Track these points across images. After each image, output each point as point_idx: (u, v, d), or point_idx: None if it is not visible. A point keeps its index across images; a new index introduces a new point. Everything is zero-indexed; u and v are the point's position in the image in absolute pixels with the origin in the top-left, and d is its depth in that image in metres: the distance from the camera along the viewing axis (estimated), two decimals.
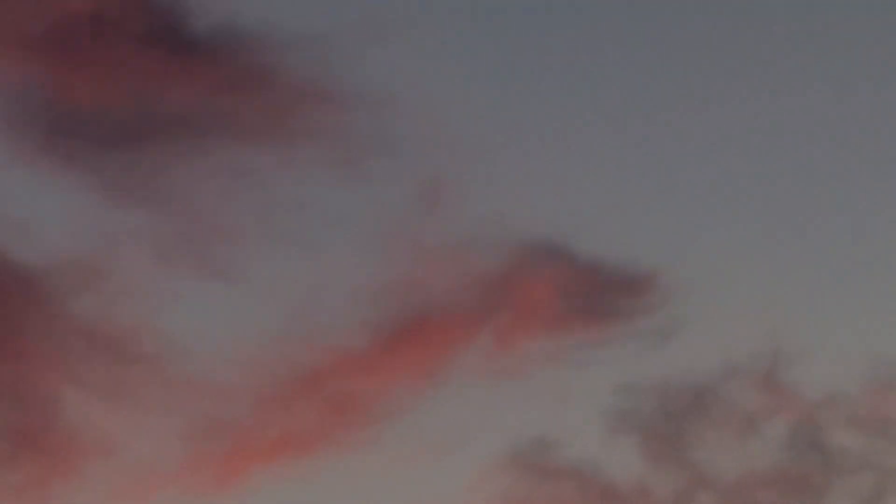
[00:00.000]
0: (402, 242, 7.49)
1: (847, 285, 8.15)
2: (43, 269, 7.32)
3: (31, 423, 7.00)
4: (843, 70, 8.61)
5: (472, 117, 7.70)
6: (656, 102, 8.46)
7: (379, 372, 7.47)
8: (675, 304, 7.78)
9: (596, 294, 7.67)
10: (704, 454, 7.52)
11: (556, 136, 8.16)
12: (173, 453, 7.20)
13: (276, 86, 7.35)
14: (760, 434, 7.58)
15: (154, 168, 7.31)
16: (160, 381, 7.29)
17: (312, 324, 7.46)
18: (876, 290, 8.19)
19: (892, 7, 8.97)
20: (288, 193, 7.42)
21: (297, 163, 7.36)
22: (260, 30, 7.42)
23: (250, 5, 7.41)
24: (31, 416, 7.02)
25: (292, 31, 7.47)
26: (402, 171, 7.42)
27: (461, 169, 7.39)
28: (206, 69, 7.33)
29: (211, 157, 7.33)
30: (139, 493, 7.13)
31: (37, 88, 7.32)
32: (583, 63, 8.45)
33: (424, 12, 8.06)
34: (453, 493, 7.27)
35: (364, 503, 7.33)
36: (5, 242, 7.33)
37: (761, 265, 8.11)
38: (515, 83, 8.20)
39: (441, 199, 7.52)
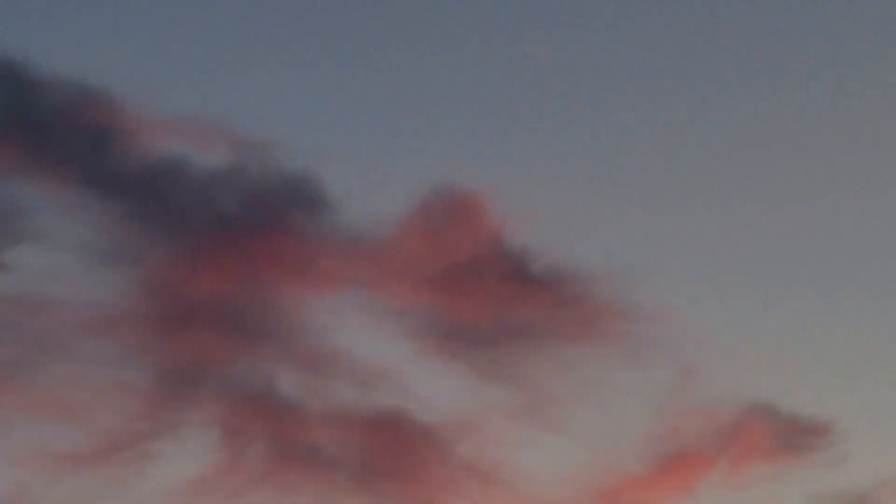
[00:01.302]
0: (667, 404, 11.67)
1: None
2: (436, 425, 11.57)
3: None
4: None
5: (715, 324, 11.90)
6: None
7: (653, 489, 11.65)
8: (843, 440, 11.95)
9: (793, 435, 11.81)
10: None
11: (777, 322, 12.42)
12: None
13: (587, 304, 11.57)
14: None
15: (509, 359, 11.59)
16: (514, 499, 11.55)
17: (609, 457, 11.66)
18: None
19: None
20: (594, 374, 11.64)
21: (598, 354, 11.60)
22: (577, 267, 11.64)
23: (570, 254, 11.66)
24: None
25: (596, 265, 11.72)
26: (667, 357, 11.61)
27: (707, 355, 11.58)
28: (543, 294, 11.55)
29: (546, 351, 11.58)
30: None
31: (433, 309, 11.58)
32: None
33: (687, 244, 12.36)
34: None
35: None
36: (413, 407, 11.60)
37: None
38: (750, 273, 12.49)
39: (691, 375, 11.71)
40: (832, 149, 13.65)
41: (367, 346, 11.88)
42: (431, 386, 11.67)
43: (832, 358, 12.46)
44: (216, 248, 11.67)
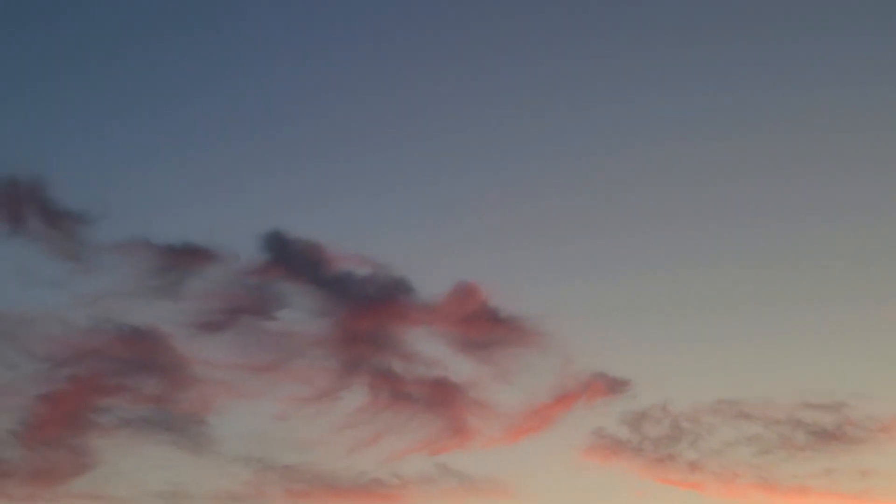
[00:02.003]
0: (552, 375, 27.35)
1: None
2: (461, 383, 27.45)
3: None
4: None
5: (575, 328, 27.51)
6: None
7: (546, 412, 27.34)
8: (638, 388, 27.40)
9: (613, 386, 27.35)
10: None
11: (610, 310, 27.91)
12: None
13: (521, 330, 27.32)
14: None
15: (495, 354, 27.41)
16: (486, 411, 27.36)
17: (526, 399, 27.38)
18: None
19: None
20: (516, 361, 27.38)
21: (525, 354, 27.32)
22: (515, 313, 27.47)
23: (511, 308, 27.43)
24: None
25: (525, 313, 27.48)
26: (551, 351, 27.27)
27: (571, 347, 27.19)
28: (502, 326, 27.35)
29: (502, 352, 27.40)
30: None
31: (459, 333, 27.49)
32: None
33: None
34: None
35: None
36: (451, 376, 27.44)
37: None
38: None
39: (565, 360, 27.38)
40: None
41: (432, 349, 27.84)
42: (460, 366, 27.63)
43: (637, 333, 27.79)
44: (368, 309, 27.79)
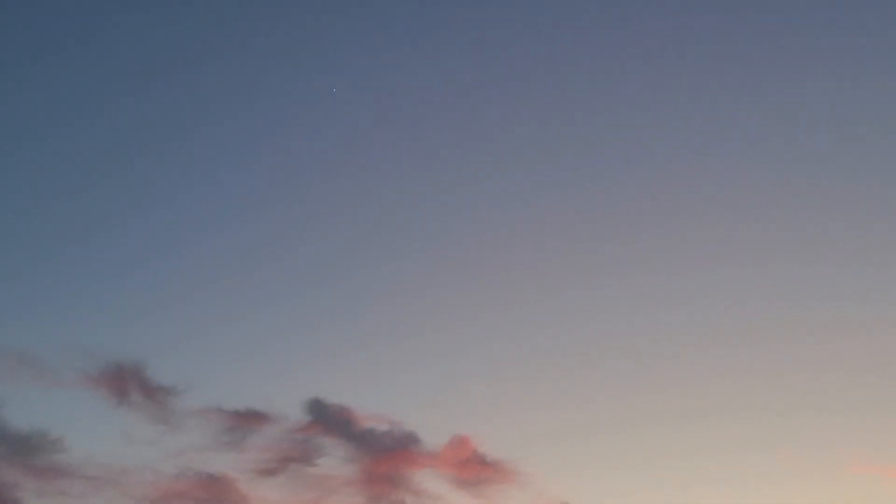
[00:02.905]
0: None
1: None
2: None
3: None
4: None
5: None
6: None
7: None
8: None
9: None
10: None
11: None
12: None
13: (487, 465, 35.87)
14: None
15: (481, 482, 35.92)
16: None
17: None
18: None
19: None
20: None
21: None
22: (490, 458, 36.16)
23: (490, 454, 36.11)
24: None
25: (500, 456, 36.20)
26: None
27: None
28: (486, 466, 35.95)
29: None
30: None
31: (455, 474, 36.10)
32: None
33: None
34: None
35: None
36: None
37: None
38: None
39: None
40: None
41: (436, 487, 36.44)
42: (457, 499, 36.10)
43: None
44: (386, 456, 36.60)
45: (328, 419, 36.93)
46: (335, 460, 36.72)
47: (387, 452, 36.77)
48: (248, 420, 36.60)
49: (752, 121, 40.85)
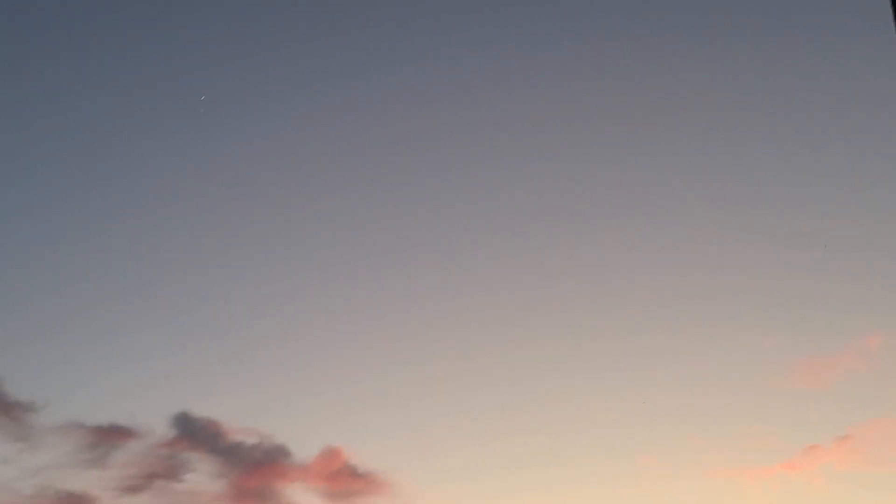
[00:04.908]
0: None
1: None
2: None
3: None
4: None
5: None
6: None
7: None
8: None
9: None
10: None
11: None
12: None
13: (368, 481, 35.78)
14: None
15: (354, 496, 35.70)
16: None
17: None
18: None
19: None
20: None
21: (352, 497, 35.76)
22: (363, 468, 35.99)
23: (365, 464, 35.96)
24: None
25: (371, 467, 36.02)
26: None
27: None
28: (358, 479, 35.78)
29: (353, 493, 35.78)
30: None
31: (325, 487, 35.79)
32: None
33: None
34: None
35: None
36: None
37: None
38: None
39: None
40: None
41: (306, 501, 35.99)
42: None
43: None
44: (255, 470, 35.97)
45: (195, 433, 36.11)
46: (203, 475, 35.90)
47: (256, 466, 36.21)
48: (111, 435, 35.45)
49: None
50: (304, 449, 36.26)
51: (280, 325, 39.84)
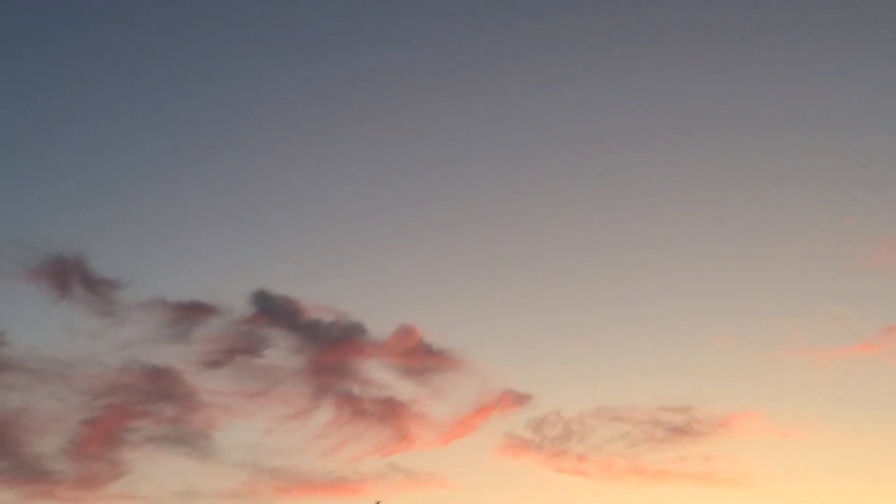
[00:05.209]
0: (474, 391, 36.38)
1: None
2: (392, 398, 36.43)
3: None
4: None
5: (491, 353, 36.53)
6: None
7: (465, 424, 36.36)
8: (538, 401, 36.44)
9: (517, 399, 36.43)
10: None
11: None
12: None
13: (446, 358, 36.39)
14: None
15: (432, 375, 36.43)
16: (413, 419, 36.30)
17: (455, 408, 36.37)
18: None
19: None
20: (443, 381, 36.40)
21: (448, 377, 36.38)
22: (441, 346, 36.55)
23: (440, 342, 36.50)
24: None
25: (449, 345, 36.57)
26: (471, 374, 36.34)
27: (487, 369, 36.29)
28: (434, 355, 36.44)
29: (431, 375, 36.46)
30: None
31: (400, 362, 36.53)
32: None
33: None
34: None
35: None
36: (394, 393, 36.38)
37: None
38: None
39: (483, 382, 36.46)
40: None
41: (382, 376, 36.87)
42: (403, 388, 36.64)
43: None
44: (332, 347, 36.86)
45: (274, 310, 36.97)
46: (281, 351, 36.89)
47: (333, 343, 37.03)
48: (192, 312, 36.50)
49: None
50: (380, 326, 36.97)
51: (357, 203, 40.37)
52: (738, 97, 39.62)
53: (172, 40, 41.37)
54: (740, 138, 39.64)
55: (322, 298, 37.48)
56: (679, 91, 40.09)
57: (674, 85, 40.09)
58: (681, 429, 36.14)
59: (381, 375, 37.00)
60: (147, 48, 41.16)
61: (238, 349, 36.52)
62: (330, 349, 36.98)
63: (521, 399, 36.58)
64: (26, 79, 40.43)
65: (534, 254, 39.18)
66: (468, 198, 40.18)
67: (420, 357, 36.92)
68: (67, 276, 36.02)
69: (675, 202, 39.50)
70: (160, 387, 36.09)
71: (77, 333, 35.62)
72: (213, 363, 36.29)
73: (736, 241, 39.34)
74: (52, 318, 35.91)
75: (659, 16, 40.23)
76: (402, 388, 36.92)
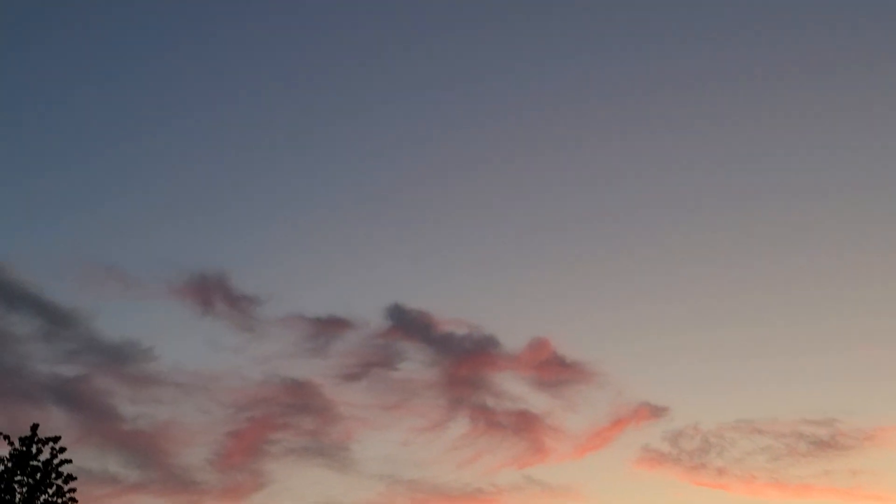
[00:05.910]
0: (605, 405, 36.05)
1: None
2: (535, 412, 36.37)
3: None
4: None
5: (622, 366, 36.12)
6: None
7: (604, 435, 36.03)
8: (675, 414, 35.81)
9: (654, 412, 35.92)
10: None
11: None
12: None
13: (578, 370, 36.13)
14: None
15: (565, 388, 36.28)
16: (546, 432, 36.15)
17: (590, 421, 36.09)
18: None
19: None
20: (576, 393, 36.16)
21: (578, 388, 36.14)
22: (573, 358, 36.35)
23: (573, 355, 36.29)
24: None
25: (581, 359, 36.36)
26: (604, 386, 36.01)
27: (621, 383, 35.89)
28: (567, 367, 36.24)
29: (562, 387, 36.24)
30: None
31: (534, 376, 36.49)
32: None
33: None
34: None
35: None
36: (529, 407, 36.35)
37: None
38: None
39: (618, 393, 36.09)
40: None
41: (516, 388, 36.90)
42: (537, 400, 36.57)
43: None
44: (466, 359, 37.10)
45: (408, 324, 37.49)
46: (416, 364, 37.36)
47: (467, 356, 37.29)
48: (330, 327, 37.35)
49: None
50: (513, 339, 37.12)
51: (487, 221, 40.65)
52: None
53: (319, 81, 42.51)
54: None
55: (455, 312, 37.89)
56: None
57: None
58: (825, 442, 35.06)
59: (514, 388, 37.09)
60: (299, 82, 42.39)
61: (374, 362, 37.21)
62: (464, 362, 37.30)
63: (657, 411, 36.13)
64: (173, 109, 42.23)
65: (669, 265, 38.66)
66: (602, 212, 39.95)
67: (553, 369, 36.88)
68: (210, 293, 37.43)
69: (815, 216, 38.31)
70: (299, 399, 37.04)
71: (220, 348, 36.94)
72: (351, 376, 37.07)
73: (884, 248, 37.99)
74: (197, 333, 37.36)
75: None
76: (535, 400, 36.94)
